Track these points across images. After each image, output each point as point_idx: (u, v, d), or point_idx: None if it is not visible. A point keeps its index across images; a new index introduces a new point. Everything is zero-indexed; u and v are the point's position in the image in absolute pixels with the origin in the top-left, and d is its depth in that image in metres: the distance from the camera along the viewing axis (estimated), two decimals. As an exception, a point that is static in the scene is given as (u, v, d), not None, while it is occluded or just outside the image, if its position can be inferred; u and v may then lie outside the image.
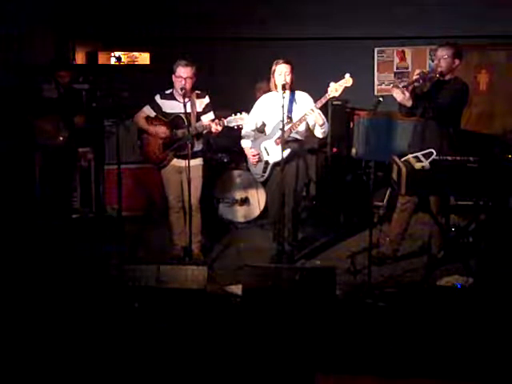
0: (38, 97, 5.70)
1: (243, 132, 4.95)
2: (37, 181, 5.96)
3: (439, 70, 4.61)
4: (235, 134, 5.09)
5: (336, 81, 4.54)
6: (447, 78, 4.66)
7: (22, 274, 4.56)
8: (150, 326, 3.71)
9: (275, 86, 4.74)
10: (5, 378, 3.20)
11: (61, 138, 5.68)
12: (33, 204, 5.95)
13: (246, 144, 4.98)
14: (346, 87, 4.53)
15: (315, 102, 4.62)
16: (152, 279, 4.10)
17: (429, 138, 4.61)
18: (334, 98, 4.63)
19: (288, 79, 4.64)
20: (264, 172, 4.89)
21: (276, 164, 4.76)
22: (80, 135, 5.96)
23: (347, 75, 4.49)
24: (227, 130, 4.74)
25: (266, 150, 4.84)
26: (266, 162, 4.85)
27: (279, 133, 4.56)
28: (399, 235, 4.97)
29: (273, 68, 4.72)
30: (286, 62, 4.68)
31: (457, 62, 4.63)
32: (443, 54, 4.60)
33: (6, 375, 3.22)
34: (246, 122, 4.63)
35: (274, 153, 4.76)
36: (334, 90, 4.53)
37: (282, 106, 4.38)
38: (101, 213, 6.38)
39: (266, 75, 4.85)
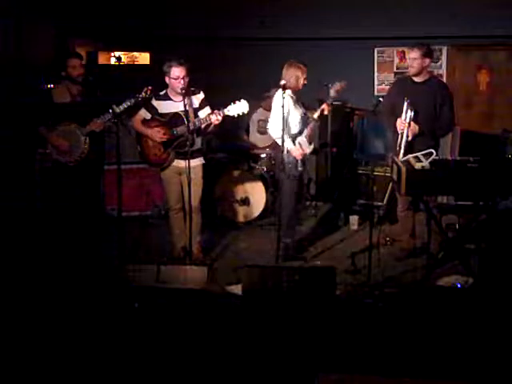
0: (50, 105, 4.96)
1: (285, 136, 4.85)
2: (37, 181, 5.94)
3: (412, 71, 4.74)
4: (235, 134, 5.09)
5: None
6: (422, 79, 4.76)
7: (22, 274, 4.56)
8: (150, 326, 3.71)
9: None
10: (4, 378, 3.20)
11: (82, 152, 4.94)
12: (33, 204, 5.94)
13: (290, 145, 4.88)
14: (343, 88, 4.64)
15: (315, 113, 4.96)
16: (152, 279, 4.10)
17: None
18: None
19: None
20: (301, 167, 5.01)
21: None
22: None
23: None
24: (223, 128, 4.74)
25: (300, 145, 4.93)
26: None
27: (307, 129, 4.93)
28: (410, 233, 5.02)
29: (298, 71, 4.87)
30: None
31: (427, 61, 4.74)
32: (412, 55, 4.73)
33: (6, 374, 3.22)
34: (245, 109, 4.64)
35: (307, 147, 4.98)
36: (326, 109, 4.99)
37: (282, 106, 4.43)
38: (101, 213, 6.37)
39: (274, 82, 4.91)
